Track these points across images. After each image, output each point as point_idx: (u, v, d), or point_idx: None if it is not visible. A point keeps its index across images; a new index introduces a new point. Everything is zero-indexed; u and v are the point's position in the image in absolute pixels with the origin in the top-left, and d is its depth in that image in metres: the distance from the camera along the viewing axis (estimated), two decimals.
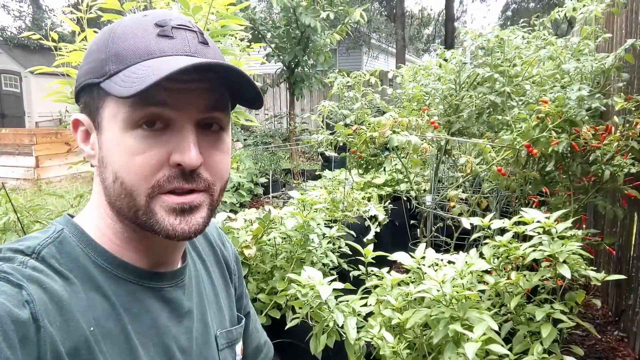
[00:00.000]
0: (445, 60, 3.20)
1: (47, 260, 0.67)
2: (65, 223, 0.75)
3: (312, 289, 1.47)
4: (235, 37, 2.78)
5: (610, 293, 3.30)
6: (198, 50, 0.72)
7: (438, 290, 1.32)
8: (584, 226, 2.32)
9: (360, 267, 1.71)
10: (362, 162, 2.45)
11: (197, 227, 0.72)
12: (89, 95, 0.72)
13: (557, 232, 1.45)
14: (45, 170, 8.47)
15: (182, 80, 0.67)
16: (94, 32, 2.38)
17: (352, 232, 2.53)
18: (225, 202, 5.04)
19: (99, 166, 0.73)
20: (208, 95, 0.71)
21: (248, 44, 2.95)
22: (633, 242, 2.86)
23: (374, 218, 3.50)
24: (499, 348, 1.24)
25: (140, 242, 0.76)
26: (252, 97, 0.76)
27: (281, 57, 7.41)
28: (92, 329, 0.66)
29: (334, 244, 2.32)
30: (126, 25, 0.72)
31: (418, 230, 3.52)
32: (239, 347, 0.97)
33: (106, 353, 0.66)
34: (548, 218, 1.46)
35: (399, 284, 1.50)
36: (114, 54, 0.69)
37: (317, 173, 5.92)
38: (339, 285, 1.52)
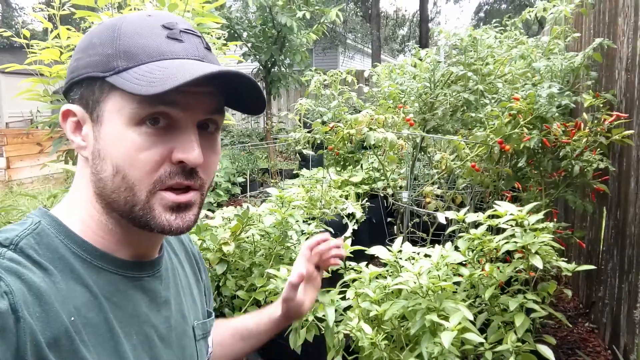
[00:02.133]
0: (420, 59, 3.25)
1: (25, 252, 0.67)
2: (42, 215, 0.75)
3: None
4: (212, 36, 2.77)
5: (580, 286, 3.39)
6: (206, 56, 0.75)
7: (415, 282, 1.35)
8: (554, 220, 2.38)
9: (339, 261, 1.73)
10: (339, 159, 2.48)
11: (189, 223, 0.76)
12: (88, 87, 0.73)
13: (529, 224, 1.49)
14: (17, 172, 8.28)
15: (195, 84, 0.69)
16: (67, 29, 2.35)
17: (330, 229, 2.55)
18: None
19: (92, 158, 0.74)
20: (212, 98, 0.74)
21: (224, 42, 2.94)
22: (602, 236, 2.94)
23: (351, 216, 3.53)
24: (474, 336, 1.27)
25: (124, 235, 0.77)
26: (256, 102, 0.79)
27: (257, 56, 7.40)
28: (72, 318, 0.66)
29: None
30: (132, 22, 0.73)
31: (395, 227, 3.57)
32: (210, 340, 1.00)
33: (88, 342, 0.67)
34: (520, 211, 1.50)
35: (376, 277, 1.52)
36: (123, 50, 0.70)
37: (294, 172, 5.93)
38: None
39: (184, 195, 0.73)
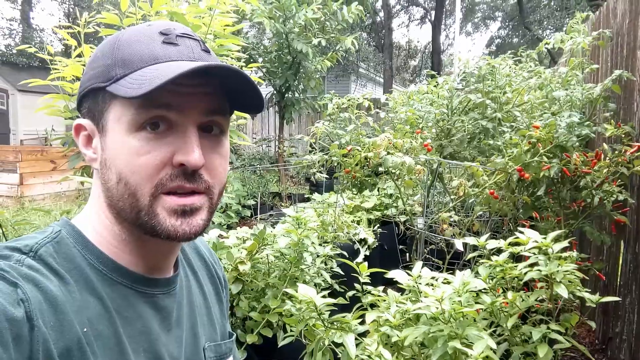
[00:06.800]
0: (436, 86, 3.27)
1: (44, 259, 0.67)
2: (63, 225, 0.75)
3: (308, 304, 1.45)
4: (232, 57, 2.81)
5: (597, 321, 3.31)
6: (202, 57, 0.74)
7: (437, 308, 1.32)
8: (574, 251, 2.34)
9: (355, 284, 1.71)
10: (356, 182, 2.47)
11: (197, 229, 0.74)
12: (94, 99, 0.74)
13: (553, 252, 1.46)
14: (29, 188, 8.34)
15: (187, 84, 0.70)
16: (90, 48, 2.39)
17: (345, 253, 2.52)
18: (214, 222, 5.01)
19: (101, 168, 0.74)
20: (210, 98, 0.73)
21: (243, 64, 2.99)
22: (620, 270, 2.89)
23: (363, 241, 3.49)
24: None
25: (137, 245, 0.77)
26: (253, 99, 0.78)
27: (272, 81, 7.49)
28: (85, 329, 0.65)
29: (326, 264, 2.31)
30: (131, 33, 0.74)
31: (407, 255, 3.52)
32: None
33: (98, 354, 0.66)
34: (545, 238, 1.47)
35: (396, 303, 1.49)
36: (120, 59, 0.71)
37: (306, 196, 5.92)
38: (332, 301, 1.51)
39: (188, 198, 0.72)
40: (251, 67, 2.84)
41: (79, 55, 2.44)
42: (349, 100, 3.35)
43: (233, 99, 0.77)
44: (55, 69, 2.41)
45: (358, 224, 3.95)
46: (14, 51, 17.76)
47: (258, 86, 0.77)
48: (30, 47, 2.66)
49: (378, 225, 4.05)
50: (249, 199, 6.31)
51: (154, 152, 0.70)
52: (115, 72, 0.70)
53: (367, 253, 3.40)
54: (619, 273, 2.90)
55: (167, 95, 0.68)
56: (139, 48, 0.71)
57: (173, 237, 0.72)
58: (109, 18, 2.38)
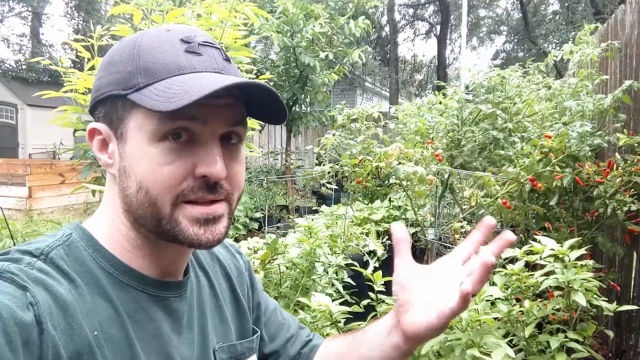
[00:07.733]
0: (444, 96, 3.28)
1: (55, 262, 0.67)
2: (74, 228, 0.75)
3: (323, 312, 1.45)
4: (242, 70, 2.84)
5: None
6: (224, 67, 0.74)
7: None
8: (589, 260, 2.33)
9: (370, 294, 1.70)
10: (367, 192, 2.47)
11: (219, 237, 0.74)
12: (112, 105, 0.73)
13: (569, 260, 1.45)
14: (38, 201, 8.39)
15: (213, 97, 0.69)
16: None
17: (355, 263, 2.51)
18: None
19: (119, 175, 0.74)
20: (233, 110, 0.73)
21: (254, 76, 3.01)
22: (633, 282, 2.86)
23: (372, 253, 3.48)
24: None
25: (153, 250, 0.76)
26: (277, 113, 0.79)
27: (280, 94, 7.55)
28: (95, 333, 0.65)
29: (337, 274, 2.30)
30: (151, 38, 0.73)
31: None
32: None
33: (108, 357, 0.66)
34: (561, 246, 1.46)
35: None
36: (143, 67, 0.70)
37: (314, 209, 5.92)
38: (348, 309, 1.51)
39: (210, 207, 0.72)
40: (262, 79, 2.86)
41: (92, 68, 2.47)
42: (359, 111, 3.37)
43: (252, 109, 0.78)
44: (69, 81, 2.43)
45: (367, 236, 3.94)
46: (24, 66, 18.01)
47: (282, 99, 0.77)
48: (43, 59, 2.69)
49: (387, 237, 4.04)
50: (256, 211, 6.31)
51: (177, 163, 0.69)
52: (138, 80, 0.70)
53: (377, 265, 3.38)
54: (632, 285, 2.87)
55: (193, 108, 0.67)
56: (162, 57, 0.71)
57: (196, 245, 0.72)
58: (122, 30, 2.40)
